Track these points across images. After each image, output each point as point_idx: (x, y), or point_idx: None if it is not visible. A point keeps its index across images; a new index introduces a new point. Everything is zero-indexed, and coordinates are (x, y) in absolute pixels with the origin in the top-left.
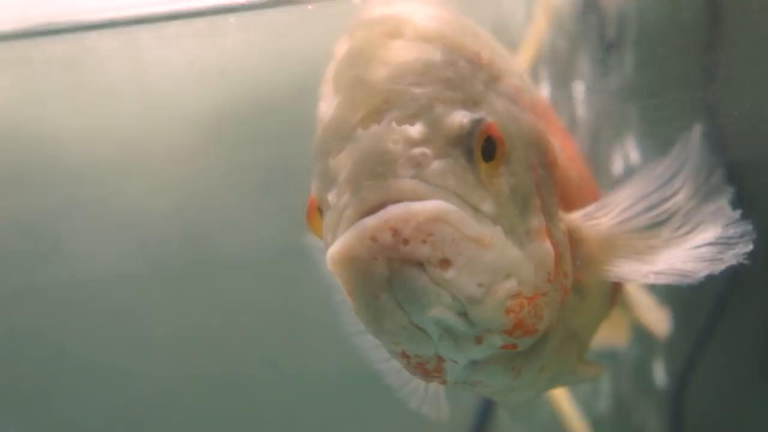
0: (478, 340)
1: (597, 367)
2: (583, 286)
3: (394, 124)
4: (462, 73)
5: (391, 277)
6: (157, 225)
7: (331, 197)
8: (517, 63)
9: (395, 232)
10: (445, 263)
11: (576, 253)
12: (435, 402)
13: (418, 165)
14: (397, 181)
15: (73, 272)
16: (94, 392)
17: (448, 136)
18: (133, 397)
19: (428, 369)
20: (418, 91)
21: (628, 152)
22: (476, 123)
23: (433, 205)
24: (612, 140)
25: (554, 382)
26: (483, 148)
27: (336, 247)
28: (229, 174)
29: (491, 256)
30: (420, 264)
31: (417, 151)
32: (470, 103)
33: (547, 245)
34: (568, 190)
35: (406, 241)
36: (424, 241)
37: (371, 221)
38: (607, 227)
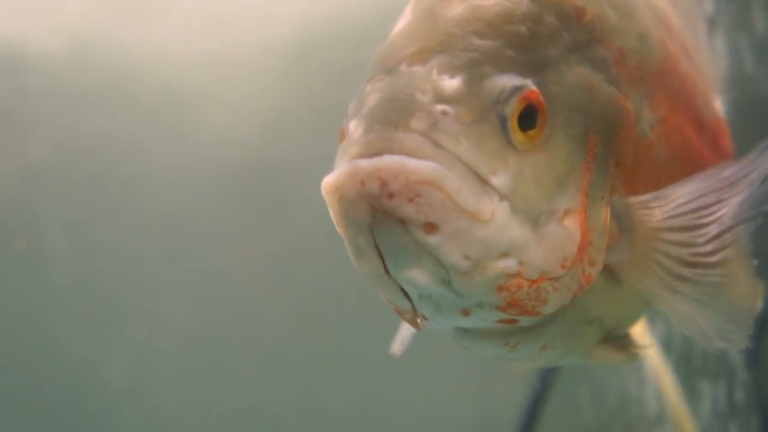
0: (465, 312)
1: (624, 356)
2: (620, 273)
3: (435, 71)
4: (539, 31)
5: (373, 225)
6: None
7: (351, 126)
8: (649, 18)
9: (383, 183)
10: (429, 227)
11: (621, 241)
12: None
13: (434, 123)
14: (404, 134)
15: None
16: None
17: (483, 99)
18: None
19: (406, 318)
20: (477, 42)
21: None
22: (516, 90)
23: (427, 167)
24: None
25: (562, 360)
26: (522, 117)
27: (329, 179)
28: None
29: (485, 231)
30: (403, 222)
31: (439, 107)
32: (532, 66)
33: (571, 229)
34: (649, 170)
35: (391, 195)
36: (410, 200)
37: (364, 165)
38: (656, 221)
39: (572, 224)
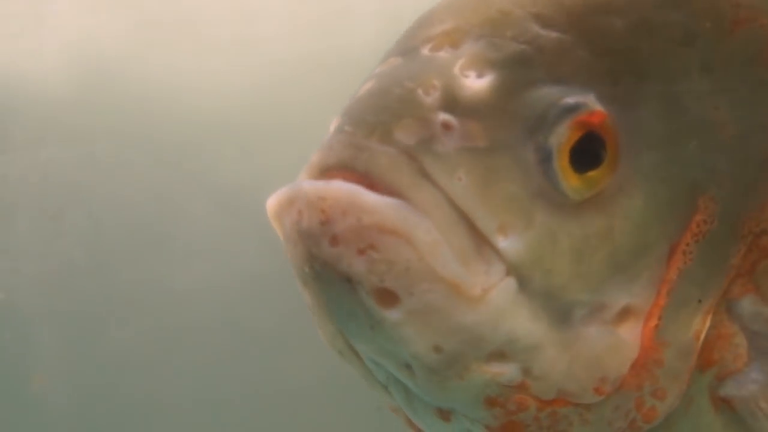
0: (444, 415)
1: None
2: (749, 416)
3: (461, 62)
4: (647, 31)
5: (310, 275)
6: None
7: (333, 122)
8: None
9: (326, 220)
10: (385, 296)
11: (753, 367)
12: None
13: (427, 138)
14: (378, 146)
15: None
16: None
17: (514, 118)
18: None
19: (391, 406)
20: (537, 30)
21: None
22: (568, 110)
23: (388, 207)
24: None
25: None
26: (579, 151)
27: (272, 198)
28: None
29: (471, 316)
30: (349, 279)
31: (442, 117)
32: (616, 79)
33: (625, 337)
34: None
35: (335, 240)
36: (360, 252)
37: (307, 187)
38: None
39: (629, 331)
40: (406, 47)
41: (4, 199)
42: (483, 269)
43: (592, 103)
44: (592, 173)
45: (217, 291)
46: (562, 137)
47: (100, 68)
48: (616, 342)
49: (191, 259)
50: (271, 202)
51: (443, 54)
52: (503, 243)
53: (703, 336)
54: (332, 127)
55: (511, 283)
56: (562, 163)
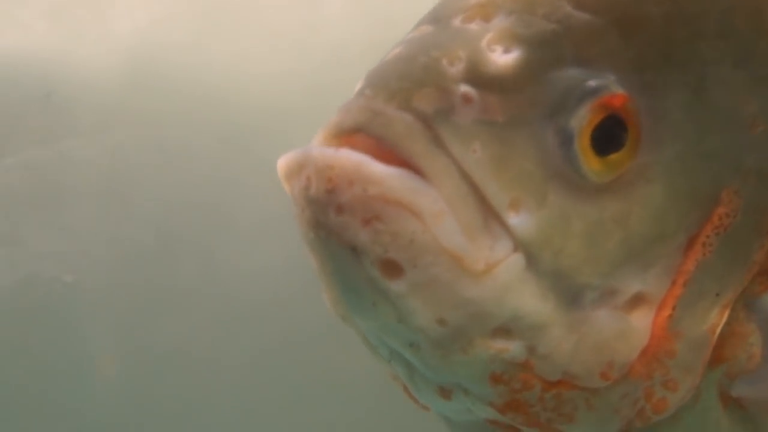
0: (445, 393)
1: None
2: (761, 418)
3: (491, 35)
4: (681, 21)
5: (315, 243)
6: None
7: (358, 84)
8: None
9: (332, 188)
10: (390, 267)
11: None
12: None
13: (446, 108)
14: (396, 112)
15: None
16: None
17: (537, 96)
18: None
19: (400, 385)
20: (569, 10)
21: None
22: (589, 93)
23: (394, 178)
24: None
25: None
26: (600, 134)
27: (282, 160)
28: None
29: (476, 290)
30: (354, 249)
31: (463, 89)
32: (644, 65)
33: (636, 324)
34: None
35: (340, 209)
36: (365, 223)
37: (316, 153)
38: None
39: (640, 318)
40: (440, 16)
41: (73, 183)
42: (488, 244)
43: (614, 86)
44: (613, 156)
45: (285, 274)
46: (584, 120)
47: (166, 53)
48: (626, 328)
49: (258, 242)
50: (281, 164)
51: (473, 26)
52: (514, 219)
53: (718, 330)
54: (356, 89)
55: (518, 259)
56: (582, 144)
